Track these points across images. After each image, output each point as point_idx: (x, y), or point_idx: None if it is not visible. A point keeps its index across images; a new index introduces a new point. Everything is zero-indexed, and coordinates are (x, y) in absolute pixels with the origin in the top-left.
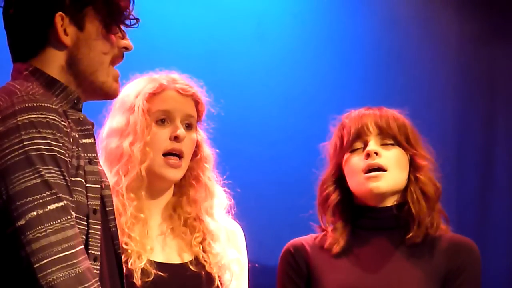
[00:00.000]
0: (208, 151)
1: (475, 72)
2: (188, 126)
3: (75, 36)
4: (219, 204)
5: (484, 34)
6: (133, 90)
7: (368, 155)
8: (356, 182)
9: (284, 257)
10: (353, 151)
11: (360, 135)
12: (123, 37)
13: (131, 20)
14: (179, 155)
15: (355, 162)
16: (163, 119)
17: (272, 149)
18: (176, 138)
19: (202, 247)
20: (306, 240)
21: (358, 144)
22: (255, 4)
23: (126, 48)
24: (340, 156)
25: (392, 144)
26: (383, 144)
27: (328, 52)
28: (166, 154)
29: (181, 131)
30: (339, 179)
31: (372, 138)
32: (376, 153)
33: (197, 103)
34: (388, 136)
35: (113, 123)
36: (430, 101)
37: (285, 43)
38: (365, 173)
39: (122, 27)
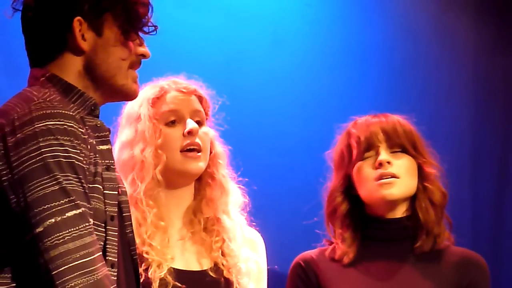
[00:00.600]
0: (221, 148)
1: (491, 79)
2: (198, 123)
3: (93, 42)
4: (234, 202)
5: (501, 41)
6: (137, 101)
7: (380, 164)
8: (368, 190)
9: (294, 270)
10: (363, 159)
11: (370, 145)
12: (141, 44)
13: (149, 27)
14: (197, 150)
15: (367, 171)
16: (173, 120)
17: (287, 156)
18: (189, 133)
19: (221, 251)
20: (316, 253)
21: (369, 153)
22: (271, 12)
23: (144, 56)
24: (350, 166)
25: (401, 152)
26: (393, 152)
27: (344, 59)
28: (183, 151)
29: (193, 124)
30: (348, 189)
31: (382, 147)
32: (389, 162)
33: (200, 99)
34: (396, 144)
35: (122, 137)
36: (447, 108)
37: (301, 51)
38: (378, 181)
39: (140, 34)
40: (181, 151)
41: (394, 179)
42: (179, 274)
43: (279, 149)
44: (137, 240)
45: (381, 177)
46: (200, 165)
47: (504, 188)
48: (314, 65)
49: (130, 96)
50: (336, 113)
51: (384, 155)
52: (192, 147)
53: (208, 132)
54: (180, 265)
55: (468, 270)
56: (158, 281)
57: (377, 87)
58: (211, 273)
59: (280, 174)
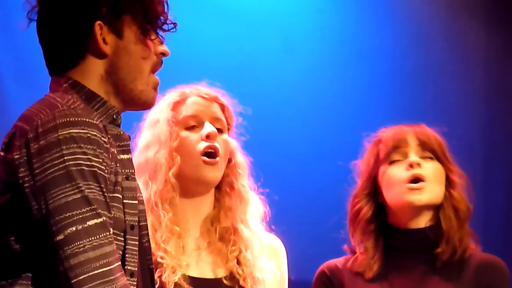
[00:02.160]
0: (242, 158)
1: (503, 84)
2: (218, 130)
3: (115, 44)
4: (253, 212)
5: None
6: (157, 106)
7: (411, 166)
8: (396, 193)
9: (319, 278)
10: (391, 162)
11: (399, 147)
12: (161, 43)
13: (169, 25)
14: (215, 154)
15: (396, 172)
16: (193, 125)
17: (300, 164)
18: (208, 137)
19: (238, 260)
20: (340, 262)
21: (397, 156)
22: (283, 18)
23: (163, 54)
24: (375, 169)
25: (431, 158)
26: (423, 157)
27: (355, 65)
28: (201, 155)
29: (211, 128)
30: (372, 193)
31: (412, 150)
32: (419, 164)
33: (222, 107)
34: (427, 149)
35: (141, 142)
36: (458, 115)
37: (312, 57)
38: (408, 183)
39: (159, 32)
40: (200, 155)
41: (423, 184)
42: (193, 282)
43: (290, 154)
44: (152, 245)
45: (412, 178)
46: (215, 172)
47: None
48: (325, 71)
49: (148, 104)
50: (348, 119)
51: (414, 156)
52: (210, 150)
53: (228, 140)
54: (194, 273)
55: (486, 273)
56: (172, 286)
57: (389, 93)
58: (225, 281)
59: (293, 179)
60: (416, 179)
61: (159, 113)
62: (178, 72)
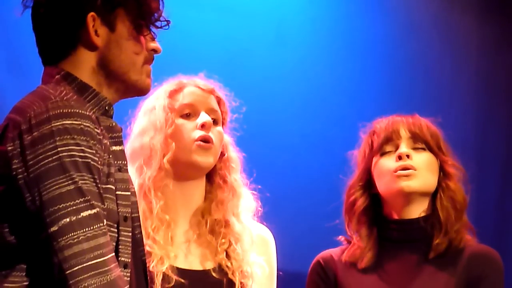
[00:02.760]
0: (235, 153)
1: (494, 77)
2: (213, 121)
3: (106, 37)
4: (245, 206)
5: (504, 39)
6: (154, 94)
7: (399, 158)
8: (385, 183)
9: (314, 269)
10: (383, 154)
11: (391, 139)
12: (153, 39)
13: (162, 22)
14: (208, 141)
15: (386, 163)
16: (188, 113)
17: (292, 155)
18: (203, 126)
19: (227, 253)
20: (335, 252)
21: (389, 148)
22: (275, 9)
23: (155, 51)
24: (369, 160)
25: (423, 149)
26: (415, 148)
27: (347, 56)
28: (195, 141)
29: (207, 118)
30: (367, 184)
31: (403, 142)
32: (408, 156)
33: (219, 100)
34: (419, 140)
35: (136, 128)
36: (450, 106)
37: (305, 48)
38: (396, 172)
39: (152, 28)
40: (193, 141)
41: (412, 171)
42: (181, 273)
43: (282, 145)
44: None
45: (400, 169)
46: (209, 158)
47: (507, 187)
48: (317, 62)
49: (143, 91)
50: (340, 110)
51: (404, 148)
52: (204, 139)
53: (222, 132)
54: (182, 265)
55: (478, 263)
56: (161, 276)
57: (380, 84)
58: (213, 274)
59: (285, 171)
60: (405, 169)
61: (155, 100)
62: (171, 63)
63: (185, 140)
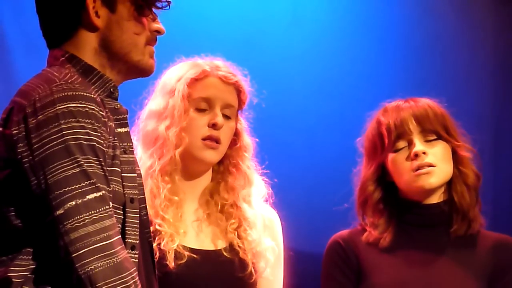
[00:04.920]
0: (248, 140)
1: (511, 57)
2: (227, 117)
3: (107, 18)
4: (257, 193)
5: None
6: (176, 74)
7: (416, 155)
8: (406, 181)
9: (332, 247)
10: (396, 150)
11: (402, 134)
12: (154, 20)
13: (163, 2)
14: (217, 141)
15: (402, 163)
16: (203, 108)
17: (308, 136)
18: (214, 125)
19: (238, 234)
20: (354, 233)
21: (402, 143)
22: None
23: (158, 32)
24: (383, 156)
25: (435, 139)
26: (427, 141)
27: (364, 38)
28: (204, 139)
29: (219, 118)
30: (381, 178)
31: (415, 137)
32: (424, 153)
33: (239, 91)
34: (430, 131)
35: (152, 105)
36: (467, 88)
37: (321, 29)
38: (416, 171)
39: (153, 9)
40: (201, 139)
41: (432, 169)
42: (192, 252)
43: (298, 126)
44: (151, 212)
45: (418, 168)
46: (214, 156)
47: None
48: (333, 43)
49: (146, 71)
50: (355, 91)
51: (419, 145)
52: (212, 138)
53: (234, 127)
54: (193, 244)
55: (504, 253)
56: (172, 253)
57: (396, 64)
58: (225, 253)
59: (301, 151)
60: (424, 167)
61: (176, 82)
62: (186, 44)
63: (194, 136)
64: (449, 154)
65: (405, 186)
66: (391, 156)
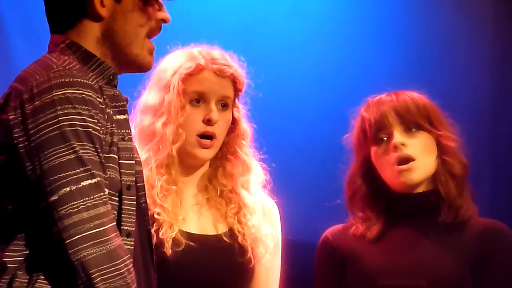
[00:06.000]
0: (246, 126)
1: (510, 48)
2: (224, 106)
3: (112, 8)
4: (255, 179)
5: None
6: (171, 67)
7: (395, 147)
8: (389, 175)
9: (322, 244)
10: (378, 143)
11: (382, 127)
12: (160, 9)
13: None
14: (212, 137)
15: (383, 155)
16: (198, 100)
17: (306, 125)
18: (209, 121)
19: (237, 219)
20: (345, 227)
21: (382, 135)
22: None
23: (164, 21)
24: (366, 150)
25: (416, 130)
26: (407, 132)
27: (363, 26)
28: (199, 136)
29: (214, 114)
30: (367, 172)
31: (395, 129)
32: (403, 144)
33: (235, 82)
34: (410, 122)
35: (148, 99)
36: (465, 78)
37: (320, 18)
38: (397, 165)
39: None
40: (196, 135)
41: (412, 164)
42: (191, 237)
43: (297, 117)
44: (148, 201)
45: (398, 161)
46: (209, 153)
47: None
48: (332, 33)
49: (144, 67)
50: (354, 81)
51: (398, 137)
52: (207, 135)
53: (230, 118)
54: (193, 229)
55: (489, 238)
56: (170, 241)
57: (395, 55)
58: (225, 238)
59: (299, 141)
60: (403, 160)
61: (171, 77)
62: (186, 33)
63: (190, 132)
64: (431, 144)
65: (389, 180)
66: (373, 149)
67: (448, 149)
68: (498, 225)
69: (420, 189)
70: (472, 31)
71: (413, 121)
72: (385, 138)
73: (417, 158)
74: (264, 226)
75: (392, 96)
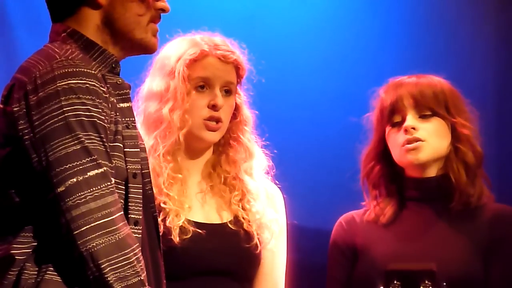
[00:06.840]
0: (248, 113)
1: None
2: (228, 92)
3: None
4: (258, 165)
5: None
6: (175, 53)
7: (406, 130)
8: (397, 156)
9: (336, 230)
10: (393, 125)
11: (397, 109)
12: None
13: None
14: (218, 121)
15: (395, 136)
16: (202, 85)
17: (311, 111)
18: (214, 107)
19: (242, 205)
20: (357, 213)
21: (397, 118)
22: None
23: (163, 10)
24: (382, 130)
25: (430, 115)
26: (422, 116)
27: (367, 12)
28: (205, 120)
29: (219, 99)
30: (383, 152)
31: (409, 112)
32: (414, 128)
33: (237, 68)
34: (424, 107)
35: (152, 86)
36: (470, 63)
37: (324, 5)
38: (404, 145)
39: None
40: (203, 120)
41: (420, 143)
42: (198, 226)
43: (302, 103)
44: (155, 190)
45: (406, 143)
46: (216, 136)
47: None
48: (337, 18)
49: (149, 49)
50: (358, 66)
51: (410, 120)
52: (213, 119)
53: (234, 103)
54: (199, 218)
55: (501, 224)
56: (178, 229)
57: (400, 40)
58: (230, 225)
59: (305, 128)
60: (411, 141)
61: (175, 63)
62: (190, 19)
63: (196, 117)
64: (445, 130)
65: (398, 160)
66: (388, 130)
67: (462, 137)
68: (510, 210)
69: (432, 173)
70: (476, 13)
71: (427, 106)
72: (399, 121)
73: (426, 140)
74: (268, 211)
75: (412, 79)
